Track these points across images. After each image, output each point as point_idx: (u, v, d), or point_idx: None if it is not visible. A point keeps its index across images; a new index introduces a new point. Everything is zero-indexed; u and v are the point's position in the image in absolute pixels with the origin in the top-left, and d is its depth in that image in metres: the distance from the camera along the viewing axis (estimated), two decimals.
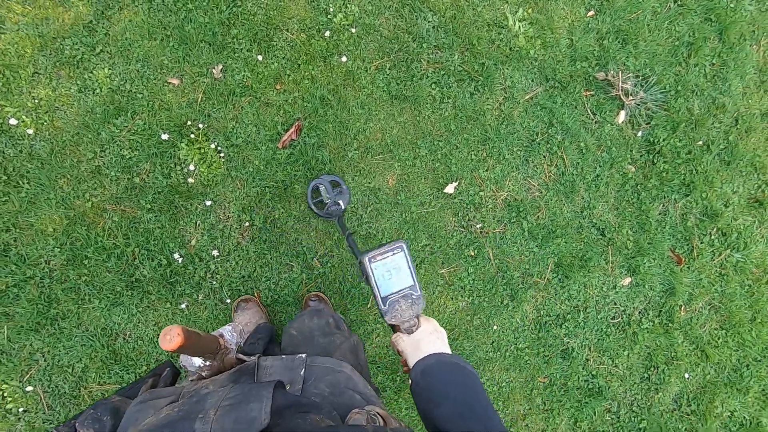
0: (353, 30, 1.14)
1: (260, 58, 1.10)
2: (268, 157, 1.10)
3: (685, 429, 1.22)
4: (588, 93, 1.23)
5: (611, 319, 1.21)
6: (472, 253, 1.14)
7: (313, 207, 1.06)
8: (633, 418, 1.19)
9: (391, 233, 1.12)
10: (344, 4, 1.14)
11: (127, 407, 0.46)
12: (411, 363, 0.45)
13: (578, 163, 1.22)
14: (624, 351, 1.20)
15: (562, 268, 1.18)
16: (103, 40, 1.06)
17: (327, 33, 1.13)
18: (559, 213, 1.20)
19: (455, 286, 1.13)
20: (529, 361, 1.15)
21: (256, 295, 1.08)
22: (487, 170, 1.17)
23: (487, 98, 1.19)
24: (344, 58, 1.13)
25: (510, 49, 1.19)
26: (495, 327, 1.13)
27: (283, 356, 0.50)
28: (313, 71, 1.12)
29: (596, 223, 1.22)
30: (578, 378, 1.17)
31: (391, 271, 0.48)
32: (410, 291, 0.49)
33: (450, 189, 1.15)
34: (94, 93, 1.06)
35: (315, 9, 1.13)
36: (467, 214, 1.16)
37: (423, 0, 1.16)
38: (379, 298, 0.48)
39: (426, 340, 0.46)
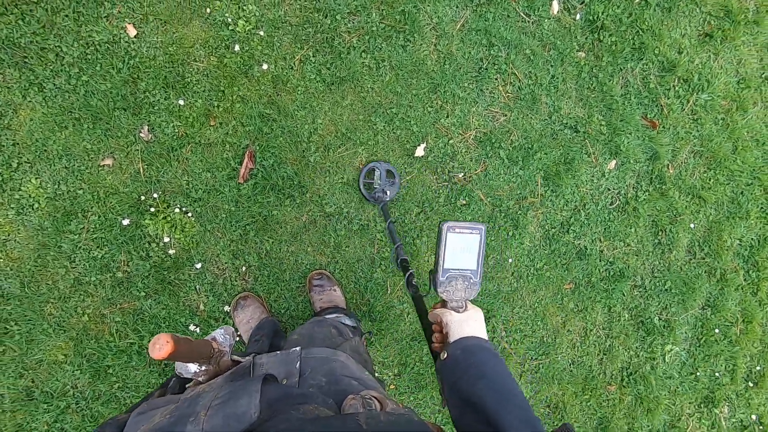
0: (261, 32, 1.54)
1: (181, 102, 1.50)
2: (235, 196, 1.55)
3: (705, 272, 1.92)
4: None
5: (610, 205, 1.83)
6: (464, 202, 1.69)
7: (362, 187, 1.57)
8: (657, 284, 1.87)
9: (374, 221, 1.63)
10: (240, 8, 1.52)
11: None
12: (453, 338, 0.65)
13: (530, 72, 1.74)
14: (631, 228, 1.84)
15: (550, 179, 1.75)
16: (15, 152, 1.42)
17: (236, 47, 1.52)
18: (530, 128, 1.74)
19: None
20: (550, 276, 1.76)
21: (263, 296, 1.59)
22: (447, 117, 1.68)
23: (420, 45, 1.65)
24: (264, 66, 1.54)
25: None
26: (510, 260, 1.73)
27: (278, 352, 0.69)
28: (239, 92, 1.53)
29: (567, 123, 1.78)
30: (599, 270, 1.81)
31: (463, 248, 0.70)
32: (471, 274, 0.70)
33: (420, 151, 1.65)
34: (34, 209, 1.44)
35: (213, 26, 1.51)
36: (445, 168, 1.68)
37: None
38: (441, 268, 0.69)
39: (473, 323, 0.67)
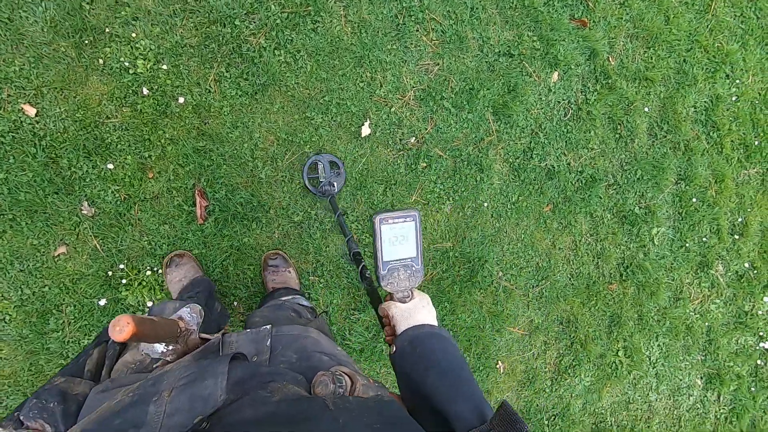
0: (164, 66, 1.87)
1: (110, 165, 1.85)
2: (201, 238, 1.96)
3: (670, 149, 2.55)
4: None
5: (564, 117, 2.37)
6: (425, 164, 2.18)
7: (306, 182, 1.99)
8: (629, 176, 2.48)
9: (349, 207, 2.10)
10: (132, 48, 1.84)
11: (75, 388, 0.77)
12: (400, 330, 0.84)
13: (448, 12, 2.17)
14: (590, 132, 2.41)
15: (500, 112, 2.26)
16: None
17: (144, 90, 1.86)
18: (465, 69, 2.21)
19: (432, 199, 2.20)
20: (528, 205, 2.33)
21: None
22: (381, 87, 2.11)
23: (330, 22, 2.04)
24: (181, 99, 1.90)
25: None
26: (485, 204, 2.26)
27: (249, 330, 0.86)
28: (166, 134, 1.89)
29: (500, 51, 2.25)
30: (571, 183, 2.39)
31: (398, 238, 0.89)
32: (412, 262, 0.89)
33: (366, 130, 2.10)
34: (7, 322, 1.81)
35: (112, 76, 1.83)
36: (396, 137, 2.15)
37: None
38: (381, 262, 0.88)
39: (418, 311, 0.86)
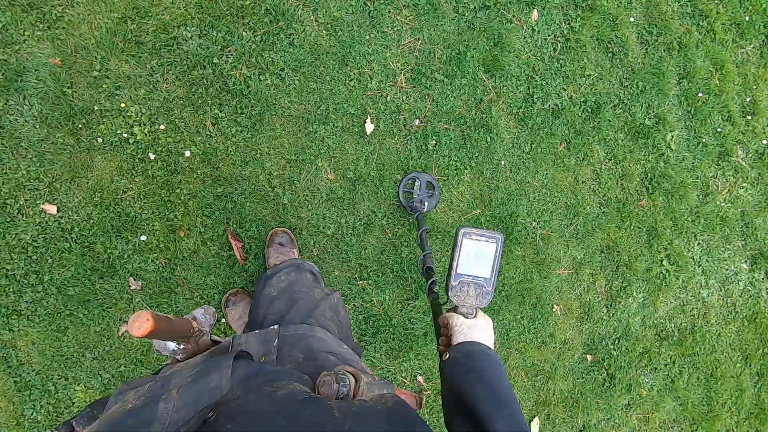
0: (161, 126, 1.90)
1: (143, 237, 1.91)
2: (247, 278, 2.04)
3: (664, 51, 2.55)
4: None
5: (554, 53, 2.38)
6: (434, 141, 2.22)
7: (400, 194, 2.13)
8: (631, 91, 2.51)
9: (372, 212, 2.16)
10: (125, 118, 1.86)
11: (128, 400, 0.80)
12: (457, 341, 0.86)
13: None
14: (583, 60, 2.42)
15: (492, 68, 2.27)
16: (44, 377, 1.86)
17: (150, 154, 1.89)
18: (447, 35, 2.21)
19: (450, 173, 2.25)
20: (542, 149, 2.37)
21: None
22: (371, 80, 2.13)
23: (304, 30, 2.03)
24: (187, 153, 1.93)
25: None
26: (502, 162, 2.31)
27: (257, 331, 0.91)
28: (184, 191, 1.94)
29: (475, 6, 2.24)
30: (578, 116, 2.42)
31: (477, 255, 0.91)
32: (484, 282, 0.91)
33: (369, 127, 2.13)
34: None
35: (115, 150, 1.87)
36: (399, 124, 2.17)
37: (170, 26, 1.87)
38: (454, 273, 0.91)
39: (479, 329, 0.88)
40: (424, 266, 1.52)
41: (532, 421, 2.41)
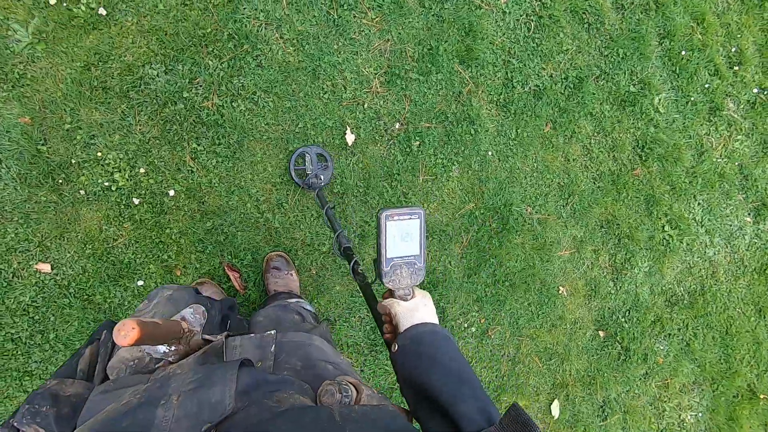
0: (141, 169, 1.89)
1: (140, 282, 1.92)
2: (249, 307, 2.06)
3: (641, 13, 2.50)
4: None
5: (529, 32, 2.33)
6: (418, 142, 2.20)
7: (293, 174, 2.03)
8: (612, 59, 2.46)
9: (365, 222, 2.15)
10: (104, 166, 1.86)
11: (67, 389, 0.80)
12: (402, 328, 0.85)
13: None
14: (559, 35, 2.37)
15: (467, 59, 2.23)
16: None
17: (134, 200, 1.90)
18: (415, 32, 2.17)
19: (438, 172, 2.23)
20: (528, 133, 2.35)
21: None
22: (345, 90, 2.10)
23: (270, 49, 2.00)
24: (171, 192, 1.93)
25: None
26: (489, 152, 2.29)
27: (252, 335, 0.88)
28: (173, 230, 1.95)
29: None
30: (561, 93, 2.39)
31: (403, 235, 0.91)
32: (415, 260, 0.92)
33: (350, 137, 2.11)
34: None
35: (99, 200, 1.87)
36: (380, 130, 2.16)
37: (135, 67, 1.85)
38: (384, 258, 0.90)
39: (420, 310, 0.87)
40: (341, 247, 1.43)
41: (551, 404, 2.44)
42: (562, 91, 2.40)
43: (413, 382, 0.79)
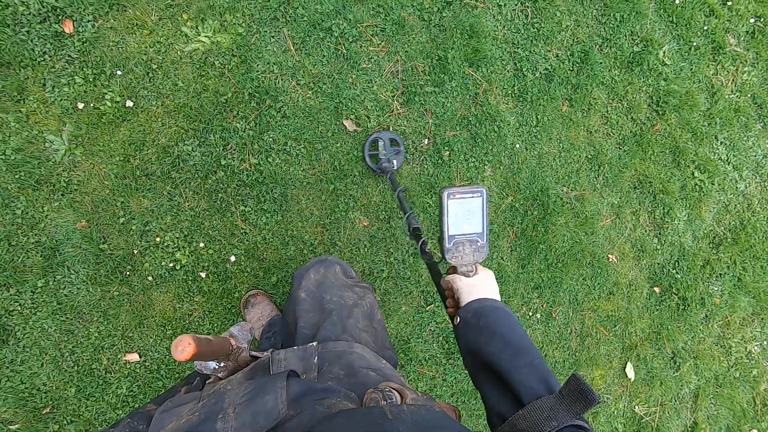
0: (200, 243, 1.96)
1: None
2: None
3: None
4: None
5: (527, 18, 2.38)
6: (447, 152, 2.26)
7: (367, 158, 2.13)
8: (611, 24, 2.51)
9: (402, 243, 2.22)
10: (164, 249, 1.92)
11: None
12: (464, 302, 0.88)
13: (374, 9, 2.15)
14: (555, 14, 2.41)
15: (476, 61, 2.28)
16: None
17: (201, 274, 1.96)
18: (422, 46, 2.22)
19: (472, 175, 2.30)
20: (548, 117, 2.40)
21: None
22: (369, 118, 2.16)
23: (290, 98, 2.06)
24: (232, 258, 2.00)
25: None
26: (516, 144, 2.35)
27: (295, 348, 0.93)
28: (242, 292, 2.01)
29: (438, 6, 2.24)
30: (570, 70, 2.44)
31: (465, 213, 0.93)
32: (477, 237, 0.94)
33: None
34: None
35: (166, 282, 1.94)
36: (410, 149, 2.21)
37: (170, 147, 1.91)
38: (446, 236, 0.93)
39: (482, 286, 0.90)
40: (411, 228, 1.49)
41: (625, 367, 2.54)
42: (571, 68, 2.45)
43: (474, 352, 0.82)
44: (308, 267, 1.33)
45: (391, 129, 2.18)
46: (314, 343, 0.94)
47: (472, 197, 0.94)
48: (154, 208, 1.93)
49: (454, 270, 0.97)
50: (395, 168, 2.10)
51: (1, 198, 1.80)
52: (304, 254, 2.09)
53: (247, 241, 2.03)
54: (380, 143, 2.11)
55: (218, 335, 0.90)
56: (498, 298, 0.91)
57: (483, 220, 0.95)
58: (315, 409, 0.67)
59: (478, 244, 0.95)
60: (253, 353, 0.92)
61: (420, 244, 1.34)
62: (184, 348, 0.69)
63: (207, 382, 0.89)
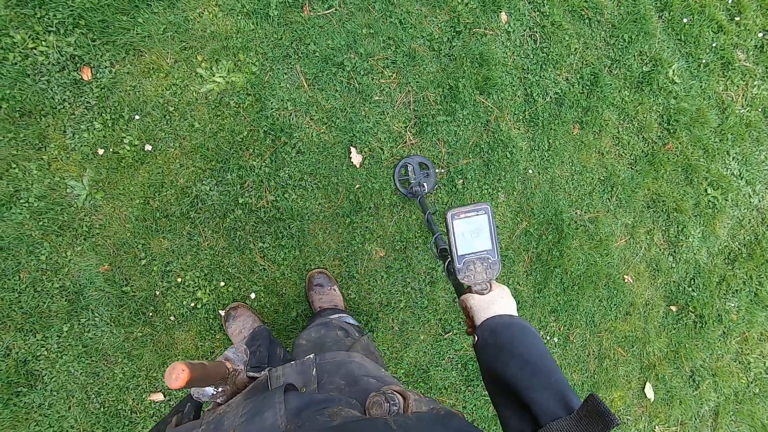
0: (221, 282, 1.98)
1: None
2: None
3: None
4: None
5: (536, 43, 2.39)
6: (461, 180, 2.27)
7: (398, 184, 2.16)
8: (618, 46, 2.52)
9: (432, 269, 2.23)
10: (185, 288, 1.94)
11: None
12: (480, 321, 0.87)
13: (385, 42, 2.17)
14: (564, 38, 2.42)
15: (485, 87, 2.29)
16: None
17: (221, 311, 1.98)
18: (432, 76, 2.24)
19: (485, 201, 2.30)
20: (559, 141, 2.41)
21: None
22: (383, 150, 2.17)
23: (304, 133, 2.08)
24: (252, 294, 2.01)
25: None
26: (529, 170, 2.36)
27: (293, 362, 0.91)
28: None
29: (447, 37, 2.25)
30: (580, 93, 2.44)
31: (472, 232, 0.93)
32: (488, 255, 0.93)
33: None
34: None
35: (188, 320, 1.96)
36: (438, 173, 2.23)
37: (188, 188, 1.93)
38: (456, 256, 0.93)
39: (497, 302, 0.89)
40: (438, 249, 1.49)
41: (644, 387, 2.53)
42: (581, 91, 2.45)
43: (493, 374, 0.80)
44: (309, 327, 1.37)
45: (419, 154, 2.20)
46: (312, 356, 0.93)
47: (477, 215, 0.94)
48: (174, 249, 1.95)
49: (468, 290, 0.96)
50: (426, 191, 2.14)
51: (26, 245, 1.83)
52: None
53: (266, 277, 2.05)
54: (409, 168, 2.15)
55: (213, 360, 0.89)
56: (515, 312, 0.90)
57: (491, 236, 0.94)
58: (316, 420, 0.66)
59: (489, 261, 0.94)
60: (251, 374, 0.91)
61: (446, 264, 1.34)
62: (178, 375, 0.68)
63: (206, 409, 0.87)
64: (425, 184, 2.13)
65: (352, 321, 1.67)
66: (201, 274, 1.98)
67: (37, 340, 1.85)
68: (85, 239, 1.88)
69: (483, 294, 0.92)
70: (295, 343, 1.27)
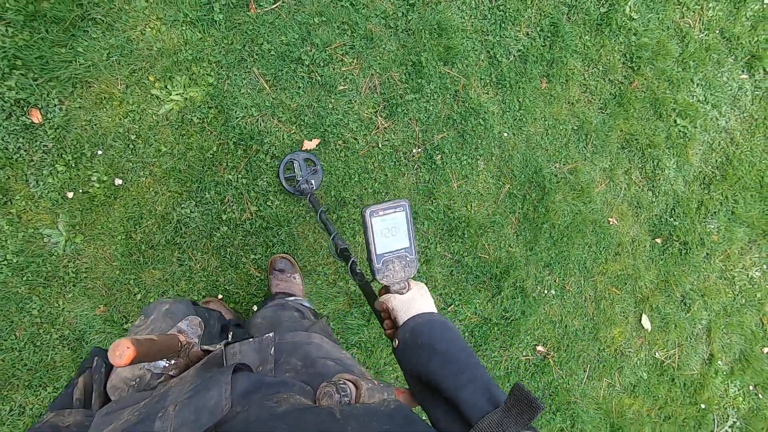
0: (219, 297, 1.95)
1: None
2: None
3: None
4: None
5: (492, 3, 2.32)
6: (439, 156, 2.24)
7: (283, 182, 2.01)
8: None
9: (425, 247, 2.23)
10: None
11: (66, 419, 0.81)
12: (401, 321, 0.85)
13: (340, 28, 2.08)
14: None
15: (448, 57, 2.24)
16: None
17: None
18: (393, 54, 2.16)
19: (467, 172, 2.30)
20: (529, 98, 2.38)
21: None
22: (357, 140, 2.12)
23: (272, 136, 2.01)
24: (254, 307, 2.00)
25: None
26: (504, 133, 2.34)
27: (251, 339, 0.88)
28: None
29: (402, 11, 2.17)
30: (542, 46, 2.40)
31: (390, 229, 0.89)
32: (405, 253, 0.90)
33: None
34: None
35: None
36: (401, 161, 2.20)
37: (168, 214, 1.87)
38: (374, 255, 0.89)
39: (416, 301, 0.87)
40: (338, 249, 1.43)
41: (641, 320, 2.63)
42: (543, 44, 2.41)
43: (417, 375, 0.79)
44: (266, 307, 1.35)
45: (305, 151, 2.14)
46: (271, 334, 0.90)
47: (395, 212, 0.90)
48: (167, 277, 1.91)
49: (386, 289, 0.92)
50: (314, 188, 2.01)
51: (14, 303, 1.77)
52: (321, 287, 2.10)
53: (264, 287, 2.03)
54: (295, 164, 2.01)
55: (164, 333, 0.86)
56: (434, 309, 0.88)
57: (409, 233, 0.91)
58: (263, 405, 0.65)
59: (408, 259, 0.90)
60: (205, 347, 0.87)
61: (350, 264, 1.29)
62: (122, 352, 0.63)
63: (157, 381, 0.84)
64: (313, 181, 1.99)
65: (307, 304, 1.62)
66: (199, 297, 1.95)
67: (49, 392, 1.82)
68: (74, 285, 1.83)
69: (402, 293, 0.89)
70: (251, 323, 1.24)
